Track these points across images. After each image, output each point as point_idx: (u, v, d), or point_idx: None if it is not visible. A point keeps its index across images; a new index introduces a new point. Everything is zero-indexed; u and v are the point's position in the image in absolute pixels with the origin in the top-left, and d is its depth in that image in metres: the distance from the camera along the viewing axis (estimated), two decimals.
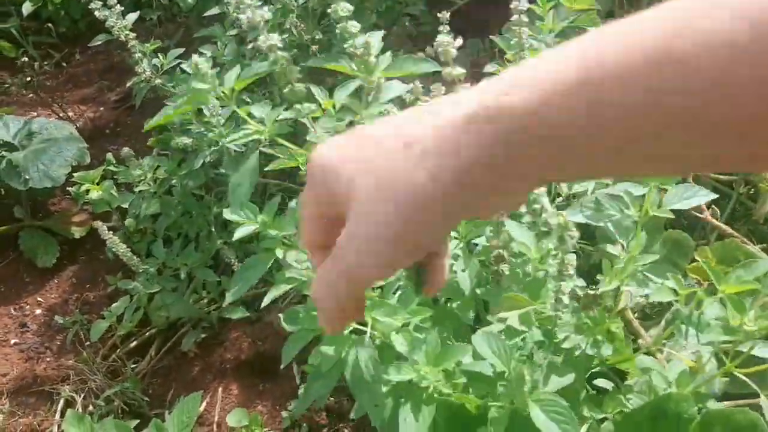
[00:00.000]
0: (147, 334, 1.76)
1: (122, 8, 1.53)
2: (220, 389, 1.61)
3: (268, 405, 1.58)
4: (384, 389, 0.77)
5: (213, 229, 1.77)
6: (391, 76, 0.82)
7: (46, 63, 2.70)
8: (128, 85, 1.99)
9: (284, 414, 1.54)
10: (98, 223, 1.45)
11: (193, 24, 2.34)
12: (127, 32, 1.52)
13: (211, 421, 1.56)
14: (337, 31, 0.84)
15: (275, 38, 0.74)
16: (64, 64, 2.76)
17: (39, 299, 1.89)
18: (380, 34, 0.85)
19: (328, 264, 0.42)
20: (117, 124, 2.39)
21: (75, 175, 1.80)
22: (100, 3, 1.49)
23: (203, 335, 1.73)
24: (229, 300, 0.84)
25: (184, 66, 1.62)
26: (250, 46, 1.60)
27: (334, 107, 0.89)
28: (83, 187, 1.75)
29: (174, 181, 1.65)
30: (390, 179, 0.38)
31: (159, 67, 1.57)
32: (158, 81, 1.55)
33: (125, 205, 1.80)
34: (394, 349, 0.76)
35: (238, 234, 0.89)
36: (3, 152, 1.86)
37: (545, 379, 0.71)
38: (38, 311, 1.86)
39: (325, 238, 0.43)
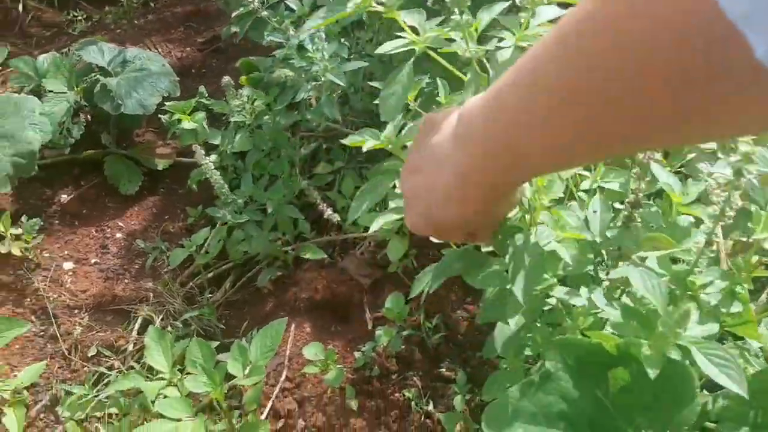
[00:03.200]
0: (224, 267, 1.78)
1: None
2: (293, 326, 1.62)
3: (338, 346, 1.58)
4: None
5: (297, 170, 1.78)
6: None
7: (135, 1, 2.74)
8: (227, 29, 2.01)
9: (357, 354, 1.55)
10: (196, 147, 1.46)
11: None
12: None
13: (283, 355, 1.57)
14: None
15: None
16: (152, 4, 2.79)
17: (120, 224, 1.93)
18: None
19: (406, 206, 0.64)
20: (203, 66, 2.41)
21: (167, 103, 1.82)
22: None
23: (278, 273, 1.75)
24: (350, 219, 0.84)
25: (289, 2, 1.62)
26: None
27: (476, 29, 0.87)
28: (174, 116, 1.77)
29: (266, 118, 1.65)
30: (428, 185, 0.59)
31: (265, 1, 1.57)
32: (264, 13, 1.55)
33: (211, 141, 1.82)
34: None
35: (366, 147, 0.89)
36: (99, 76, 1.89)
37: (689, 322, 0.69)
38: (119, 235, 1.90)
39: None
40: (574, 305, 0.81)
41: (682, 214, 0.81)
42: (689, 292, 0.77)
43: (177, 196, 2.03)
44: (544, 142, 0.46)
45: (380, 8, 0.78)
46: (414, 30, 0.82)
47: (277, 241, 1.76)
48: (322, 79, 1.46)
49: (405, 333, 1.56)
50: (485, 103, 0.50)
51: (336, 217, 1.62)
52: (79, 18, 2.66)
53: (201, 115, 1.76)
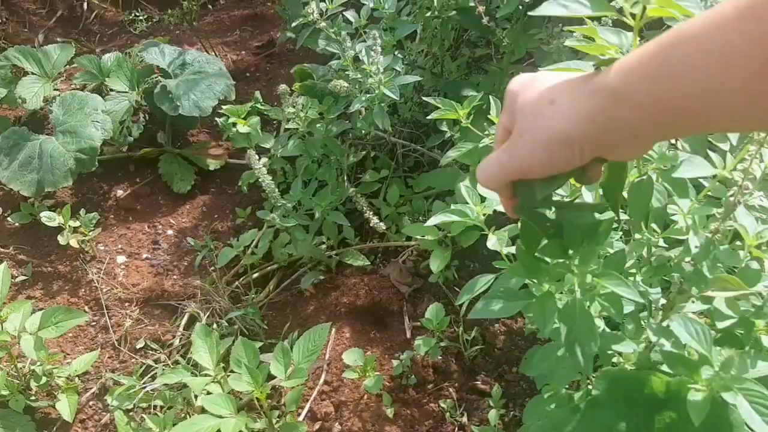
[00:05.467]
0: (268, 268, 1.83)
1: None
2: (333, 329, 1.66)
3: (377, 352, 1.62)
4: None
5: (345, 177, 1.81)
6: None
7: (194, 3, 2.81)
8: (283, 35, 2.06)
9: (395, 362, 1.57)
10: (251, 152, 1.51)
11: None
12: None
13: (323, 358, 1.61)
14: None
15: None
16: (210, 7, 2.87)
17: (171, 221, 2.00)
18: None
19: (492, 157, 0.65)
20: (257, 69, 2.47)
21: (224, 107, 1.87)
22: None
23: (321, 277, 1.79)
24: (418, 187, 0.88)
25: (347, 14, 1.66)
26: None
27: None
28: (230, 119, 1.83)
29: (319, 126, 1.69)
30: (535, 122, 0.60)
31: (324, 12, 1.61)
32: (323, 24, 1.59)
33: (262, 145, 1.87)
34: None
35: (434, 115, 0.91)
36: (159, 77, 1.96)
37: (743, 366, 0.69)
38: (170, 232, 1.96)
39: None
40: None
41: (755, 257, 0.82)
42: (754, 335, 0.78)
43: (227, 196, 2.09)
44: (726, 108, 0.50)
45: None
46: None
47: (322, 245, 1.80)
48: (376, 91, 1.49)
49: (443, 344, 1.58)
50: (646, 68, 0.53)
51: (381, 227, 1.65)
52: (141, 18, 2.75)
53: (255, 119, 1.81)
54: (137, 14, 2.78)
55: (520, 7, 1.58)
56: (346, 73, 1.55)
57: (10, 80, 1.94)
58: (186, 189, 2.04)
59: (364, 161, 1.92)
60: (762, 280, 0.77)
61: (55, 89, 1.94)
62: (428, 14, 1.73)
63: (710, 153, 0.83)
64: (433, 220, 1.02)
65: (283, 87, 1.61)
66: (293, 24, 1.68)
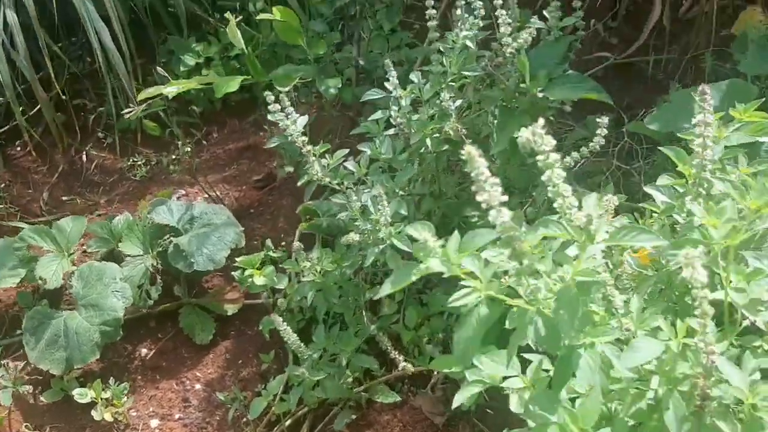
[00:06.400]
0: (299, 412, 1.85)
1: (296, 114, 1.66)
2: None
3: None
4: None
5: (364, 312, 1.86)
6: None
7: (188, 141, 2.91)
8: (282, 170, 2.15)
9: None
10: (275, 317, 1.56)
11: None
12: (299, 135, 1.65)
13: None
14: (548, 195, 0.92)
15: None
16: (204, 142, 2.97)
17: (197, 374, 2.03)
18: (594, 197, 0.94)
19: None
20: (260, 204, 2.54)
21: (238, 259, 1.94)
22: (278, 107, 1.63)
23: (353, 416, 1.81)
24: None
25: (348, 165, 1.74)
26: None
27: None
28: (246, 273, 1.89)
29: (335, 272, 1.75)
30: None
31: (326, 166, 1.69)
32: (326, 180, 1.67)
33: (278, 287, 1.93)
34: None
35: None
36: (171, 237, 2.02)
37: None
38: (198, 386, 1.99)
39: None
40: None
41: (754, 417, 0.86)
42: None
43: (248, 338, 2.13)
44: None
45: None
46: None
47: (348, 379, 1.83)
48: (387, 242, 1.55)
49: None
50: None
51: (409, 368, 1.69)
52: (139, 163, 2.84)
53: (270, 269, 1.87)
54: (135, 159, 2.87)
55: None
56: (356, 223, 1.62)
57: (29, 259, 2.00)
58: (208, 339, 2.08)
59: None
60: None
61: (71, 262, 2.00)
62: (422, 151, 1.81)
63: None
64: (458, 398, 1.07)
65: (297, 245, 1.68)
66: (298, 184, 1.76)
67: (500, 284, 0.93)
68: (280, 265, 1.93)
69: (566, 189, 0.90)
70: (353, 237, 1.58)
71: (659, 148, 1.35)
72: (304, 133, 1.67)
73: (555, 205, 0.92)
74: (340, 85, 2.41)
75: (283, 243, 2.38)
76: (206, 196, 2.52)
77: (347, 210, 1.66)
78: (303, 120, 1.71)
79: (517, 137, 1.66)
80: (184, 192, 2.64)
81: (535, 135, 0.85)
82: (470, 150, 0.80)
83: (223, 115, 3.04)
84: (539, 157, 0.89)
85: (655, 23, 2.47)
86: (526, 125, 1.74)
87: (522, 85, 1.75)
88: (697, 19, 2.42)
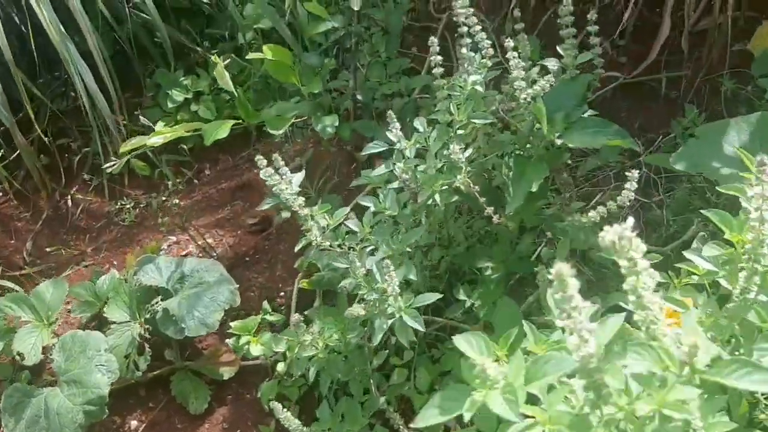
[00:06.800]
0: None
1: (290, 175, 1.51)
2: None
3: None
4: None
5: (372, 381, 1.71)
6: None
7: (179, 180, 2.76)
8: (279, 216, 2.00)
9: None
10: (275, 404, 1.41)
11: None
12: (296, 197, 1.50)
13: None
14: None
15: None
16: (196, 181, 2.81)
17: None
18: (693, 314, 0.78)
19: None
20: (256, 251, 2.39)
21: (232, 324, 1.79)
22: (271, 171, 1.48)
23: None
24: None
25: (349, 224, 1.59)
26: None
27: None
28: (242, 340, 1.74)
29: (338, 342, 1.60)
30: None
31: (325, 228, 1.54)
32: (327, 243, 1.51)
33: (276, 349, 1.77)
34: None
35: None
36: (159, 300, 1.87)
37: None
38: None
39: None
40: None
41: None
42: None
43: (245, 404, 1.97)
44: None
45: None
46: None
47: None
48: (397, 316, 1.40)
49: None
50: None
51: None
52: (128, 206, 2.69)
53: (267, 336, 1.72)
54: (123, 202, 2.72)
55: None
56: (361, 292, 1.47)
57: (6, 330, 1.84)
58: (203, 408, 1.92)
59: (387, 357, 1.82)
60: None
61: (53, 333, 1.84)
62: (430, 203, 1.66)
63: None
64: None
65: (296, 317, 1.52)
66: (296, 249, 1.60)
67: (570, 414, 0.76)
68: (279, 333, 1.78)
69: (653, 301, 0.73)
70: (358, 310, 1.43)
71: (702, 211, 1.19)
72: (300, 193, 1.52)
73: (636, 317, 0.75)
74: (337, 123, 2.25)
75: (282, 294, 2.24)
76: (198, 243, 2.37)
77: (350, 276, 1.51)
78: (298, 178, 1.56)
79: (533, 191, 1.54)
80: (174, 239, 2.48)
81: (623, 239, 0.68)
82: (561, 270, 0.64)
83: (215, 152, 2.87)
84: (623, 263, 0.71)
85: (665, 39, 2.31)
86: (544, 175, 1.61)
87: (537, 128, 1.60)
88: (710, 33, 2.25)
